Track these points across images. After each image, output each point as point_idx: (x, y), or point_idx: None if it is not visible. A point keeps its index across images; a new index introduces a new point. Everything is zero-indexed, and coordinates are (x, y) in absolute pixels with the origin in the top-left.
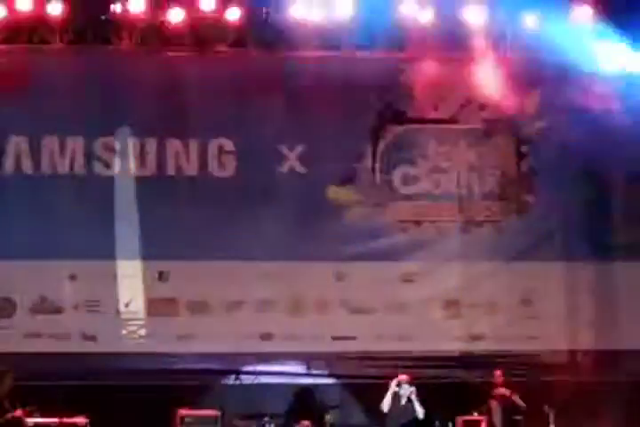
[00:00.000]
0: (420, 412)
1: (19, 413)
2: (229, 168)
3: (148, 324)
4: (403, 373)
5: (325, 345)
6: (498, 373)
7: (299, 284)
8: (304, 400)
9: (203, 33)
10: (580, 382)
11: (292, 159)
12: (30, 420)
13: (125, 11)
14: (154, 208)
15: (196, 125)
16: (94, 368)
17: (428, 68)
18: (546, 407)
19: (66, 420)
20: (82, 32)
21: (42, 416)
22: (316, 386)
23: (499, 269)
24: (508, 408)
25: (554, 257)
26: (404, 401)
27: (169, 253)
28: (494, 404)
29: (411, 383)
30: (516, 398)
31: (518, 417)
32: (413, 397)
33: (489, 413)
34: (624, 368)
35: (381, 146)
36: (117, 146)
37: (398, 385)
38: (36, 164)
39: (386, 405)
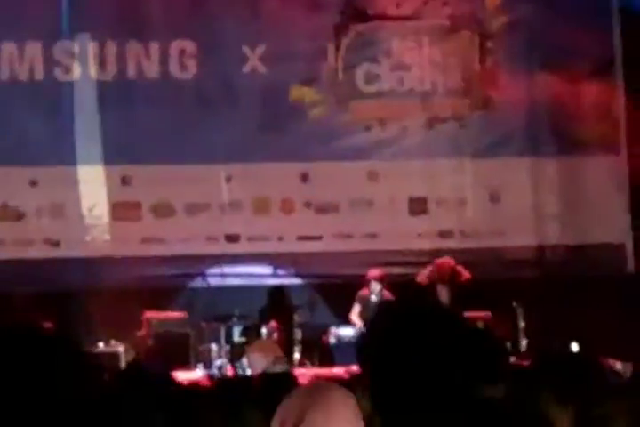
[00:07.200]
0: None
1: None
2: (191, 70)
3: (112, 228)
4: (369, 271)
5: (291, 245)
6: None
7: (263, 185)
8: (272, 301)
9: None
10: (548, 277)
11: (253, 59)
12: None
13: None
14: (115, 112)
15: (157, 27)
16: (59, 274)
17: None
18: (514, 304)
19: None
20: None
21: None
22: (284, 287)
23: (464, 165)
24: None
25: (520, 153)
26: (374, 299)
27: (132, 158)
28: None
29: (381, 281)
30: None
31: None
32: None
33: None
34: (592, 262)
35: (344, 44)
36: (77, 50)
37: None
38: None
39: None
